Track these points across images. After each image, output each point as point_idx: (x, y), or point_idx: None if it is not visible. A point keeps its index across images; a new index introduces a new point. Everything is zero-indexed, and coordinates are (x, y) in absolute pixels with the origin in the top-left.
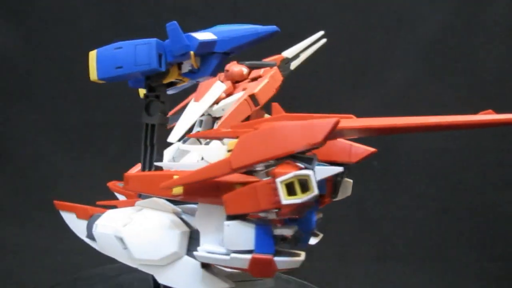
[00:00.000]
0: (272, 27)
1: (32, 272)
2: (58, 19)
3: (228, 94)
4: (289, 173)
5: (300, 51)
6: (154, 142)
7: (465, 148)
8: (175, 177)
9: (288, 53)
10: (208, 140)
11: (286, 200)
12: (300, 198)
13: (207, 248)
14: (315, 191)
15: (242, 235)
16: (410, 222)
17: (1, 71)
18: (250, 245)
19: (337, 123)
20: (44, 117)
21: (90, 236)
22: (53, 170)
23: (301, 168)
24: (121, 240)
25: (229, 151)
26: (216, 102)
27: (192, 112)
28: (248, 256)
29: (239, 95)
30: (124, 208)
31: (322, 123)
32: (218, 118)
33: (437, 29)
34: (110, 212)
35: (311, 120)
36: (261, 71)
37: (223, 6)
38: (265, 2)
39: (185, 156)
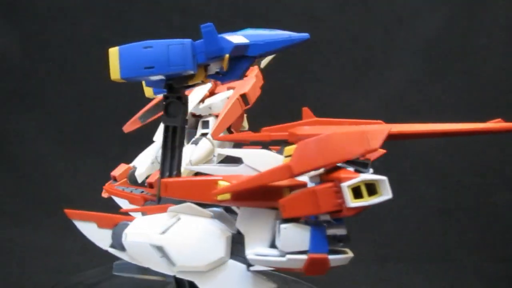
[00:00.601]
0: (305, 35)
1: (32, 272)
2: (58, 19)
3: (211, 92)
4: (357, 178)
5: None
6: (177, 144)
7: (465, 148)
8: (221, 182)
9: None
10: (193, 141)
11: (353, 203)
12: (367, 201)
13: (259, 251)
14: (389, 194)
15: (299, 236)
16: (410, 222)
17: (1, 71)
18: (305, 246)
19: (390, 130)
20: (44, 117)
21: (117, 245)
22: (53, 170)
23: (357, 173)
24: (158, 248)
25: (286, 156)
26: (202, 100)
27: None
28: (304, 257)
29: (226, 94)
30: (156, 215)
31: (378, 131)
32: (200, 116)
33: (437, 29)
34: (140, 220)
35: (364, 128)
36: None
37: (223, 6)
38: (265, 2)
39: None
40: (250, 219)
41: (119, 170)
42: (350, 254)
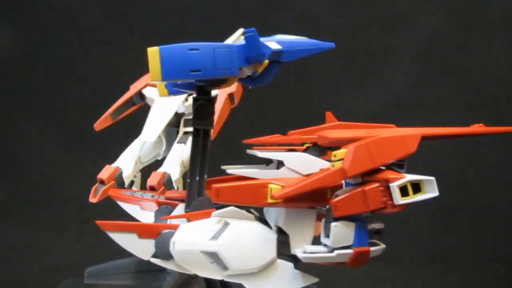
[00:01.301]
0: (331, 44)
1: (32, 272)
2: (58, 19)
3: None
4: (405, 178)
5: None
6: (208, 147)
7: (465, 148)
8: (272, 186)
9: None
10: (180, 140)
11: (401, 200)
12: (412, 199)
13: (307, 249)
14: (436, 192)
15: (346, 233)
16: (410, 222)
17: (1, 71)
18: (351, 241)
19: (422, 134)
20: (44, 117)
21: (162, 255)
22: (53, 170)
23: (400, 173)
24: (211, 254)
25: (338, 160)
26: (186, 98)
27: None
28: (350, 251)
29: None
30: (201, 221)
31: (413, 135)
32: (181, 114)
33: (437, 29)
34: (186, 227)
35: (402, 132)
36: None
37: (223, 6)
38: (265, 2)
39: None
40: (295, 219)
41: (106, 172)
42: (383, 245)
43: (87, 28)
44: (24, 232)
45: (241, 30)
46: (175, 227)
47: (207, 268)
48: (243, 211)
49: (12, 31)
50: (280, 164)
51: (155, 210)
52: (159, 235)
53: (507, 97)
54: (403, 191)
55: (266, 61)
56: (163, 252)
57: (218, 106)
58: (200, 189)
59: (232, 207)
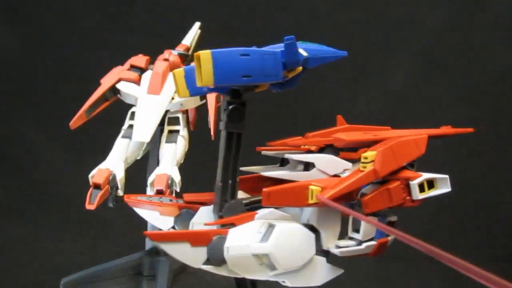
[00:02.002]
0: (344, 52)
1: (32, 272)
2: (58, 19)
3: None
4: (423, 176)
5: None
6: (240, 150)
7: (465, 148)
8: (312, 187)
9: (188, 41)
10: (170, 140)
11: (420, 196)
12: (428, 194)
13: (341, 244)
14: (449, 188)
15: (372, 226)
16: (411, 222)
17: (1, 71)
18: (373, 233)
19: (428, 136)
20: (44, 117)
21: (215, 261)
22: (53, 170)
23: (416, 172)
24: (261, 256)
25: (369, 162)
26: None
27: (157, 105)
28: (374, 242)
29: None
30: (247, 224)
31: (422, 138)
32: (166, 112)
33: (437, 29)
34: (235, 232)
35: (415, 134)
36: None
37: (223, 6)
38: (266, 2)
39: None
40: (326, 217)
41: (101, 176)
42: (392, 236)
43: (87, 28)
44: (24, 232)
45: (198, 24)
46: (224, 232)
47: (256, 270)
48: (282, 212)
49: (12, 31)
50: (310, 165)
51: (175, 215)
52: (211, 241)
53: (507, 97)
54: (420, 187)
55: (300, 68)
56: (216, 258)
57: (211, 106)
58: (233, 192)
59: (273, 209)
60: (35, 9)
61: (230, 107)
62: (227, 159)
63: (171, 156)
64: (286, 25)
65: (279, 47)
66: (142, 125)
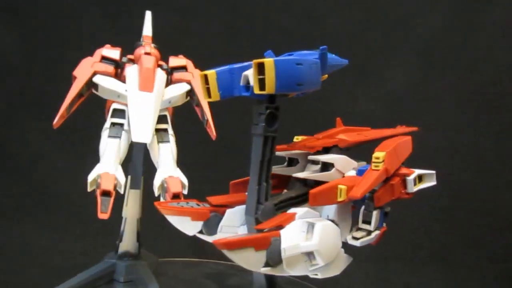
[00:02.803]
0: (346, 61)
1: (32, 272)
2: (58, 19)
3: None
4: (416, 172)
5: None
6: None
7: (465, 148)
8: (341, 186)
9: (150, 32)
10: (163, 139)
11: (415, 188)
12: (418, 187)
13: (357, 235)
14: (434, 181)
15: (379, 217)
16: (410, 222)
17: (1, 71)
18: (377, 223)
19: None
20: (44, 117)
21: (273, 262)
22: (53, 170)
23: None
24: (307, 254)
25: (380, 162)
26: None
27: (153, 103)
28: (378, 231)
29: (182, 88)
30: (291, 224)
31: (409, 139)
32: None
33: (437, 29)
34: (286, 233)
35: (401, 137)
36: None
37: (223, 6)
38: (266, 2)
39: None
40: (343, 212)
41: (110, 182)
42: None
43: (87, 28)
44: (24, 232)
45: (149, 13)
46: (277, 234)
47: (301, 267)
48: (315, 211)
49: (12, 31)
50: (329, 165)
51: (205, 219)
52: (270, 244)
53: (507, 97)
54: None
55: (326, 75)
56: (274, 260)
57: (206, 106)
58: (267, 195)
59: (308, 209)
60: (35, 9)
61: (268, 111)
62: (263, 163)
63: (171, 157)
64: (286, 25)
65: (305, 55)
66: (141, 125)
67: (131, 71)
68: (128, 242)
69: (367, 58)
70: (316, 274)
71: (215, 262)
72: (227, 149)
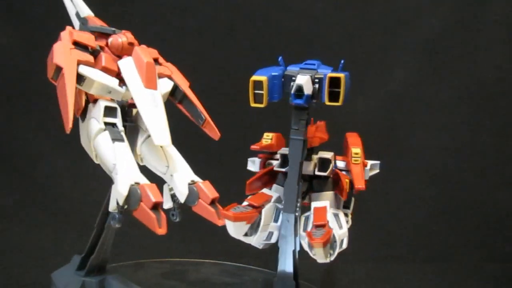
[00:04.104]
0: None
1: (32, 272)
2: (58, 19)
3: None
4: (369, 163)
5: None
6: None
7: (465, 148)
8: (346, 180)
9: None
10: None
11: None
12: (369, 175)
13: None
14: (378, 170)
15: None
16: (410, 222)
17: (1, 71)
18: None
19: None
20: (44, 117)
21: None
22: (53, 170)
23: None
24: (338, 242)
25: (359, 157)
26: None
27: (162, 102)
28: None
29: (166, 83)
30: (328, 216)
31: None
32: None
33: (437, 29)
34: (334, 226)
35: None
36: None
37: (223, 6)
38: (265, 2)
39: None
40: (336, 200)
41: (158, 193)
42: None
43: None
44: (24, 232)
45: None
46: (330, 231)
47: (328, 254)
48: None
49: (12, 31)
50: (326, 162)
51: (253, 221)
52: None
53: (507, 96)
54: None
55: None
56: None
57: (198, 103)
58: (300, 193)
59: (328, 201)
60: (35, 9)
61: (307, 118)
62: (302, 164)
63: (182, 158)
64: (286, 25)
65: (327, 68)
66: (159, 126)
67: (127, 64)
68: (104, 254)
69: (367, 58)
70: (331, 259)
71: (214, 262)
72: (218, 147)
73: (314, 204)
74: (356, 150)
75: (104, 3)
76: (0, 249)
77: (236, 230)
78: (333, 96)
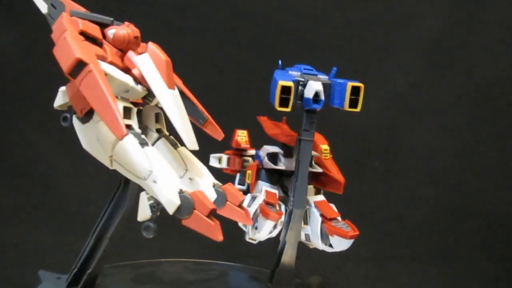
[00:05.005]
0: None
1: (32, 272)
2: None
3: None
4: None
5: None
6: None
7: (465, 148)
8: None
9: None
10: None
11: None
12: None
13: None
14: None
15: None
16: (410, 222)
17: (1, 71)
18: None
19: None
20: (44, 117)
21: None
22: (53, 170)
23: None
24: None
25: (328, 152)
26: None
27: (175, 105)
28: None
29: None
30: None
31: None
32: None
33: (437, 29)
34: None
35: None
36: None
37: (224, 6)
38: (265, 2)
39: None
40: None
41: (209, 200)
42: None
43: None
44: (24, 232)
45: None
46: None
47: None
48: None
49: (12, 31)
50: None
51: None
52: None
53: (507, 96)
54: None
55: None
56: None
57: (197, 102)
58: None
59: (321, 195)
60: (35, 9)
61: (315, 120)
62: (311, 163)
63: (197, 160)
64: (286, 24)
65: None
66: (189, 130)
67: (146, 62)
68: (99, 268)
69: (367, 58)
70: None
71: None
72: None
73: (313, 199)
74: (325, 146)
75: (103, 3)
76: (0, 249)
77: (267, 229)
78: (352, 103)
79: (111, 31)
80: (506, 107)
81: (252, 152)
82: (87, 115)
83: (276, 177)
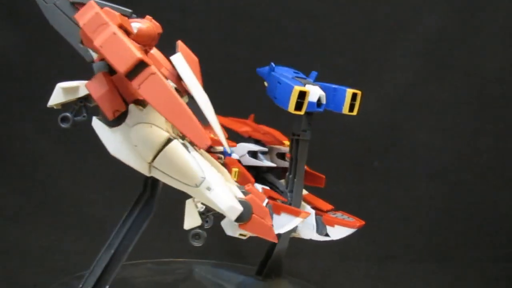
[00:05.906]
0: None
1: (32, 272)
2: None
3: None
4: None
5: None
6: None
7: (465, 148)
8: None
9: None
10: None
11: None
12: None
13: None
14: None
15: None
16: (410, 222)
17: (1, 71)
18: None
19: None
20: (44, 117)
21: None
22: (53, 170)
23: None
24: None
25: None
26: None
27: (201, 105)
28: None
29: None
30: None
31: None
32: None
33: (437, 29)
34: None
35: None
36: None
37: (224, 6)
38: (265, 2)
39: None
40: None
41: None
42: None
43: None
44: (24, 232)
45: None
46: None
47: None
48: None
49: (12, 31)
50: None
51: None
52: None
53: (508, 97)
54: None
55: None
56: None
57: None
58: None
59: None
60: (35, 9)
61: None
62: (305, 163)
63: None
64: (286, 25)
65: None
66: (221, 133)
67: (181, 61)
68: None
69: (366, 58)
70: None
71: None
72: None
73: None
74: (287, 142)
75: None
76: (0, 249)
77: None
78: (350, 107)
79: (135, 25)
80: (506, 108)
81: (221, 148)
82: (119, 119)
83: (254, 174)
